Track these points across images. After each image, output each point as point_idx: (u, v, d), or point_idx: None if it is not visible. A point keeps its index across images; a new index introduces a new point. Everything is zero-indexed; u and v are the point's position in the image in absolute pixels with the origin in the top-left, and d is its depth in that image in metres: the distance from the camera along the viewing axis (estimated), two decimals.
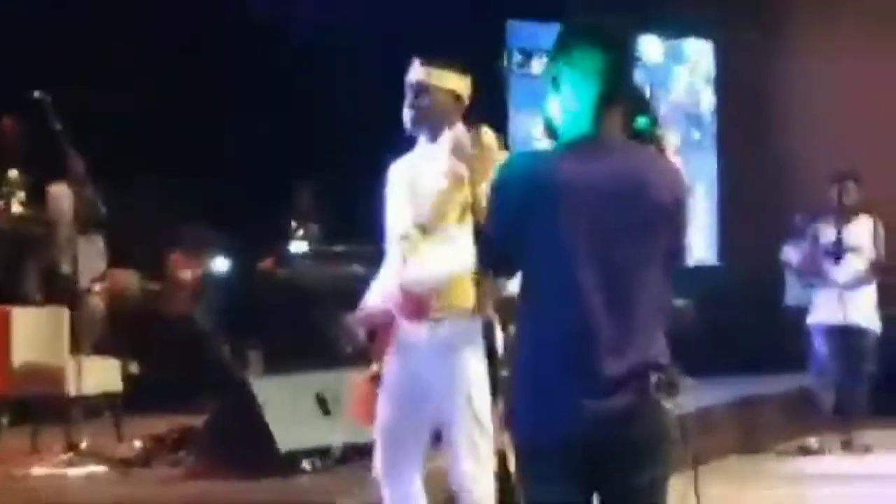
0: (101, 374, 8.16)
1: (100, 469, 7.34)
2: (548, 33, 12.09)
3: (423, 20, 10.60)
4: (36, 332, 8.23)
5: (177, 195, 10.54)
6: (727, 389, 10.29)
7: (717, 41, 13.65)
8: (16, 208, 9.57)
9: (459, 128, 4.86)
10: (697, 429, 3.56)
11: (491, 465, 4.80)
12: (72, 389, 7.75)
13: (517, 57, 12.34)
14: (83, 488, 7.09)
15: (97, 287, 9.64)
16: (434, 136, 4.93)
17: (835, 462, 9.83)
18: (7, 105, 9.30)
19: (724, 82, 13.68)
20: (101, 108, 9.97)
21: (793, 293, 11.79)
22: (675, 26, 13.06)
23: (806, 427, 10.19)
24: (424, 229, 4.83)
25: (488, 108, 5.07)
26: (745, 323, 12.02)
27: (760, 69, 13.42)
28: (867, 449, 10.04)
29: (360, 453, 6.95)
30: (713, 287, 9.78)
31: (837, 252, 10.01)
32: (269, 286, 10.85)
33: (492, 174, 4.58)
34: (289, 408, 7.15)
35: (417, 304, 4.86)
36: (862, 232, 10.08)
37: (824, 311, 10.07)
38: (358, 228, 9.20)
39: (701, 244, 12.98)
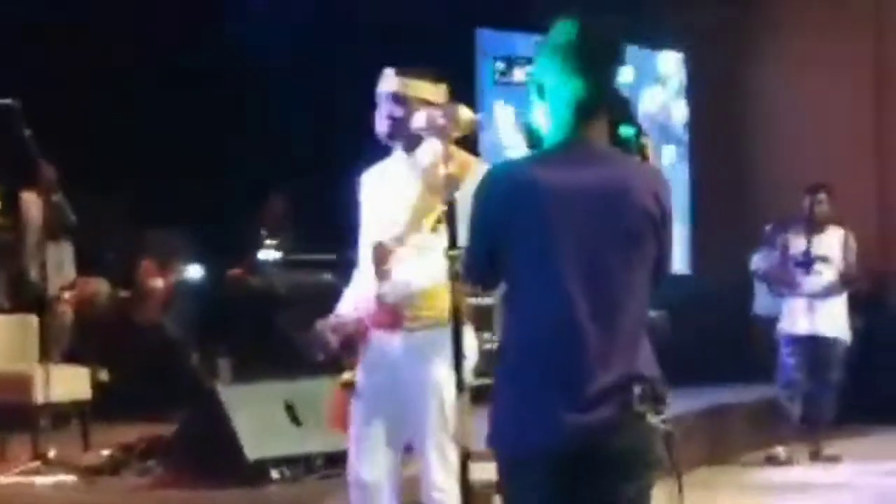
0: (69, 382, 8.12)
1: (67, 478, 7.30)
2: (520, 42, 12.24)
3: (396, 26, 10.64)
4: (4, 340, 8.22)
5: (147, 202, 10.51)
6: (695, 399, 10.30)
7: (687, 53, 13.70)
8: None
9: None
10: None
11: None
12: (40, 397, 7.73)
13: (499, 65, 12.36)
14: (50, 497, 7.07)
15: (66, 294, 9.60)
16: (409, 147, 4.93)
17: (802, 472, 9.86)
18: None
19: (696, 94, 13.73)
20: (72, 115, 9.96)
21: (761, 303, 11.84)
22: (646, 38, 13.10)
23: (773, 437, 10.21)
24: (400, 239, 4.82)
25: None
26: (713, 332, 12.06)
27: (731, 81, 13.49)
28: (835, 459, 10.09)
29: (329, 462, 6.96)
30: (683, 296, 9.80)
31: (807, 262, 10.06)
32: (238, 294, 10.84)
33: (469, 169, 4.62)
34: (258, 416, 7.13)
35: (391, 314, 4.86)
36: (832, 242, 10.13)
37: (793, 320, 10.11)
38: (328, 236, 9.21)
39: (672, 254, 12.99)
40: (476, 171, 4.74)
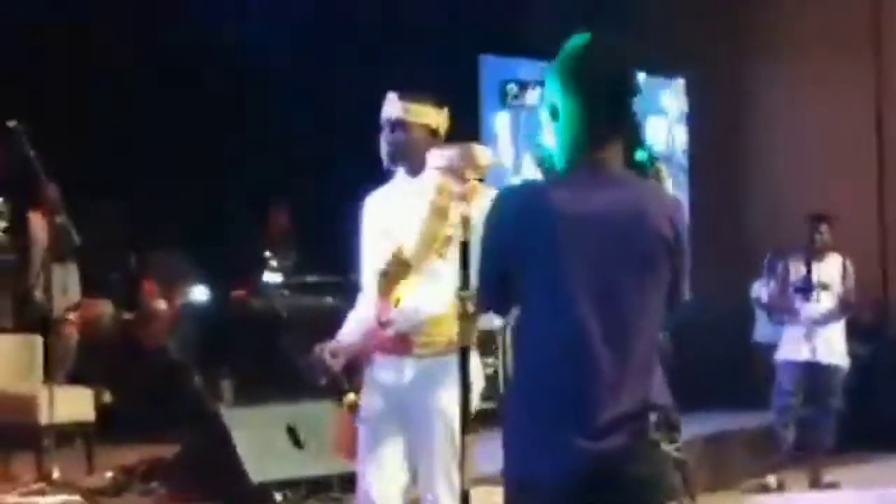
0: (73, 403, 8.15)
1: (71, 498, 7.33)
2: (524, 67, 12.30)
3: (400, 51, 10.70)
4: (9, 360, 8.24)
5: (152, 224, 10.55)
6: (694, 425, 10.31)
7: (688, 78, 13.74)
8: None
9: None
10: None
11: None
12: (44, 418, 7.74)
13: (511, 88, 12.41)
14: None
15: (71, 316, 9.64)
16: (414, 171, 4.95)
17: (802, 499, 9.87)
18: None
19: (696, 120, 13.77)
20: (74, 136, 10.00)
21: (762, 330, 11.86)
22: (646, 63, 13.13)
23: (771, 464, 10.23)
24: (408, 265, 4.84)
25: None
26: (713, 358, 12.08)
27: (732, 107, 13.53)
28: (835, 486, 10.10)
29: (330, 485, 7.00)
30: (683, 322, 9.82)
31: (807, 288, 10.09)
32: (241, 316, 10.86)
33: (481, 195, 4.67)
34: (260, 439, 7.17)
35: (400, 341, 4.89)
36: (832, 270, 10.17)
37: (792, 347, 10.13)
38: (331, 259, 9.25)
39: (687, 279, 13.01)
40: (483, 196, 4.80)
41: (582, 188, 3.33)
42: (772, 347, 10.56)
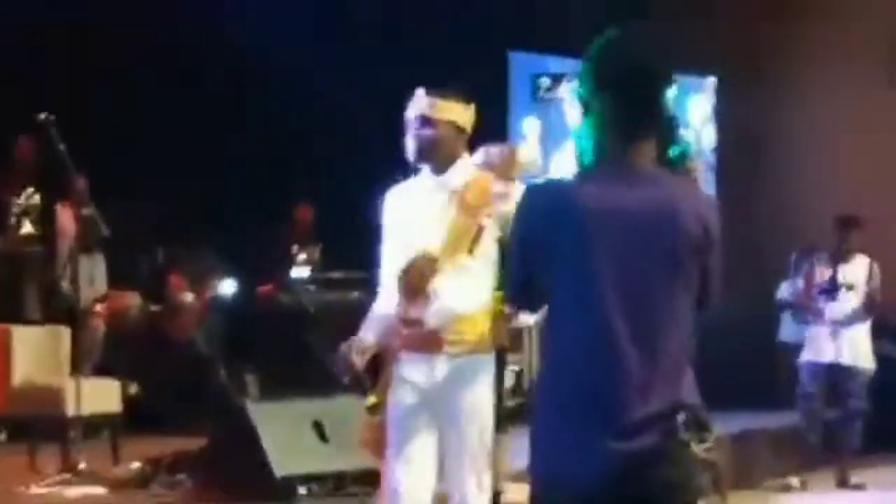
0: (100, 395, 8.16)
1: (97, 490, 7.36)
2: (552, 64, 12.29)
3: (428, 47, 10.71)
4: (36, 351, 8.26)
5: (180, 217, 10.59)
6: (721, 424, 10.26)
7: (718, 77, 13.72)
8: (26, 228, 9.64)
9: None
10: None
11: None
12: (70, 409, 7.76)
13: (544, 81, 12.39)
14: None
15: (98, 307, 9.67)
16: (440, 167, 4.92)
17: (826, 500, 9.84)
18: (12, 127, 9.37)
19: (725, 118, 13.74)
20: (103, 130, 10.04)
21: (787, 330, 11.84)
22: (678, 61, 13.10)
23: (797, 464, 10.20)
24: (435, 261, 4.81)
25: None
26: (739, 358, 12.05)
27: (761, 106, 13.49)
28: (861, 487, 10.07)
29: (356, 480, 7.01)
30: (709, 321, 9.79)
31: (833, 289, 10.07)
32: (268, 311, 10.89)
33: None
34: (286, 433, 7.18)
35: (431, 339, 4.84)
36: (858, 271, 10.14)
37: (816, 349, 10.12)
38: (357, 254, 9.26)
39: (719, 279, 12.99)
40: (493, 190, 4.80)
41: (611, 185, 3.25)
42: (797, 347, 10.55)
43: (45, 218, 9.62)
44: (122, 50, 10.66)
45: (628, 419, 3.17)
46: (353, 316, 5.30)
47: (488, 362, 4.89)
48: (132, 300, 10.34)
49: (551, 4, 12.33)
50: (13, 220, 9.62)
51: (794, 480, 10.08)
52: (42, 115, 7.72)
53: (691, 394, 3.28)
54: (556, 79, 12.29)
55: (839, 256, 10.13)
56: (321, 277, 10.98)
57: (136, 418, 8.74)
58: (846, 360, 10.01)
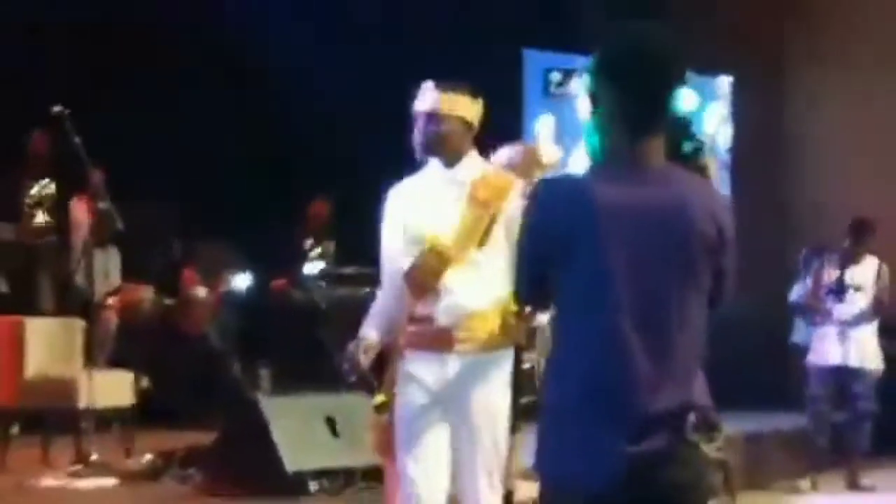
0: (112, 388, 8.18)
1: (109, 482, 7.39)
2: (567, 62, 12.28)
3: (441, 47, 10.70)
4: (49, 344, 8.28)
5: (194, 212, 10.60)
6: (732, 425, 10.26)
7: (735, 77, 13.71)
8: (39, 219, 9.66)
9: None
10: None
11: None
12: (83, 402, 7.79)
13: (555, 76, 12.38)
14: (91, 500, 7.15)
15: (111, 300, 9.69)
16: (448, 162, 4.89)
17: (836, 502, 9.83)
18: (27, 120, 9.40)
19: (741, 118, 13.73)
20: (120, 124, 10.06)
21: (800, 331, 11.82)
22: (692, 59, 13.10)
23: (807, 466, 10.19)
24: (445, 256, 4.77)
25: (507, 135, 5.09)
26: (752, 358, 12.04)
27: (777, 106, 13.48)
28: (872, 489, 10.06)
29: (366, 476, 7.02)
30: (722, 321, 9.78)
31: (840, 290, 10.06)
32: (281, 306, 10.90)
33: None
34: (298, 428, 7.19)
35: (442, 337, 4.78)
36: (867, 272, 10.14)
37: (823, 351, 10.11)
38: (369, 250, 9.25)
39: (732, 278, 12.99)
40: (517, 189, 4.77)
41: (622, 182, 3.21)
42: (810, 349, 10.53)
43: (59, 209, 9.64)
44: (121, 50, 10.68)
45: (638, 419, 3.14)
46: (365, 312, 5.29)
47: (502, 360, 4.83)
48: (145, 294, 10.36)
49: (567, 2, 12.34)
50: (27, 209, 9.64)
51: (805, 482, 10.07)
52: (56, 108, 7.74)
53: (702, 394, 3.25)
54: (568, 74, 12.27)
55: (849, 258, 10.12)
56: (334, 273, 10.98)
57: (149, 411, 8.75)
58: (854, 361, 10.01)
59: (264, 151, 11.40)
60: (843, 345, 10.00)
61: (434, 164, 4.93)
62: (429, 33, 11.35)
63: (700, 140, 3.41)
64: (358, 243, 10.42)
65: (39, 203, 9.70)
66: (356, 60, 11.14)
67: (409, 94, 5.04)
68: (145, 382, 9.27)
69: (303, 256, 11.21)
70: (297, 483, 6.96)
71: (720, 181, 3.71)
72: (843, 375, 10.02)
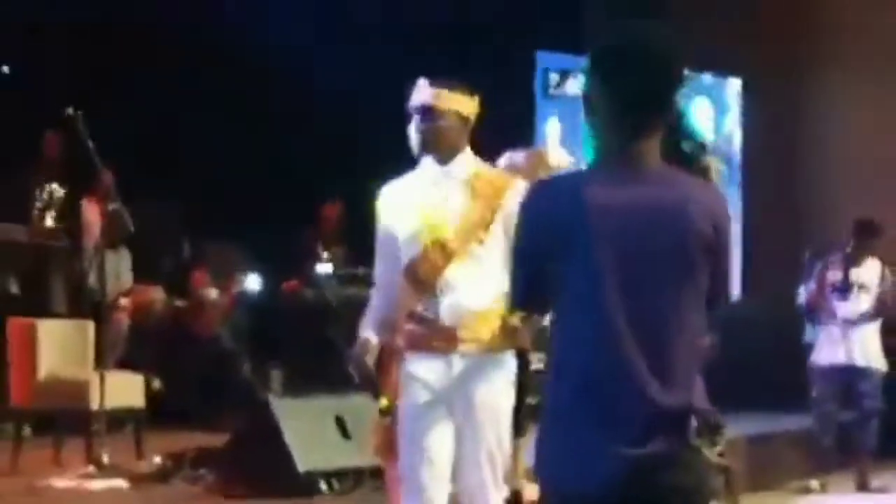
0: (124, 389, 8.18)
1: (120, 483, 7.40)
2: (563, 59, 12.28)
3: (454, 48, 10.71)
4: (61, 345, 8.29)
5: (205, 213, 10.63)
6: (741, 425, 10.25)
7: (745, 79, 13.72)
8: (49, 222, 9.69)
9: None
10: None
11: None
12: (95, 403, 7.79)
13: (553, 77, 12.39)
14: (102, 502, 7.16)
15: (123, 301, 9.71)
16: (444, 158, 4.86)
17: (844, 502, 9.82)
18: (27, 120, 9.44)
19: (752, 120, 13.73)
20: (120, 124, 10.09)
21: (812, 332, 11.81)
22: (705, 61, 13.13)
23: (816, 467, 10.18)
24: (447, 252, 4.74)
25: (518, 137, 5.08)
26: (762, 358, 12.03)
27: (788, 108, 13.47)
28: (883, 490, 10.05)
29: (378, 476, 7.02)
30: (735, 321, 9.78)
31: (845, 288, 10.08)
32: (293, 306, 10.91)
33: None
34: (309, 429, 7.20)
35: (444, 337, 4.75)
36: (870, 272, 10.16)
37: (828, 351, 10.14)
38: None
39: (730, 281, 13.01)
40: (516, 189, 4.73)
41: (617, 182, 3.16)
42: None
43: (70, 212, 9.67)
44: (121, 50, 10.71)
45: (637, 425, 3.09)
46: None
47: (505, 361, 4.83)
48: (157, 295, 10.39)
49: (567, 2, 12.35)
50: (36, 213, 9.67)
51: (814, 483, 10.07)
52: (69, 110, 7.76)
53: (701, 398, 3.19)
54: (564, 74, 12.26)
55: (852, 259, 10.14)
56: (345, 274, 10.99)
57: (160, 413, 8.77)
58: (859, 360, 10.05)
59: (264, 151, 11.41)
60: (847, 344, 10.02)
61: (427, 162, 4.90)
62: (429, 33, 11.37)
63: (700, 141, 3.37)
64: (361, 243, 10.46)
65: (48, 206, 9.73)
66: (356, 60, 11.15)
67: (410, 95, 5.05)
68: (157, 384, 9.30)
69: (314, 258, 11.22)
70: (307, 483, 6.97)
71: (725, 182, 3.66)
72: (848, 375, 10.05)
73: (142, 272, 10.11)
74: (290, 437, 7.04)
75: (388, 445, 4.87)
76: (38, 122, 9.51)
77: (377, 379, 4.93)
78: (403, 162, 5.24)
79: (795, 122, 13.54)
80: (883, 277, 10.15)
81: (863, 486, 10.11)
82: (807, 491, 10.00)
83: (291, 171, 11.26)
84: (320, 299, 10.80)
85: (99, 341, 8.20)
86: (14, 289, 9.56)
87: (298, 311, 10.83)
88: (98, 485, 7.37)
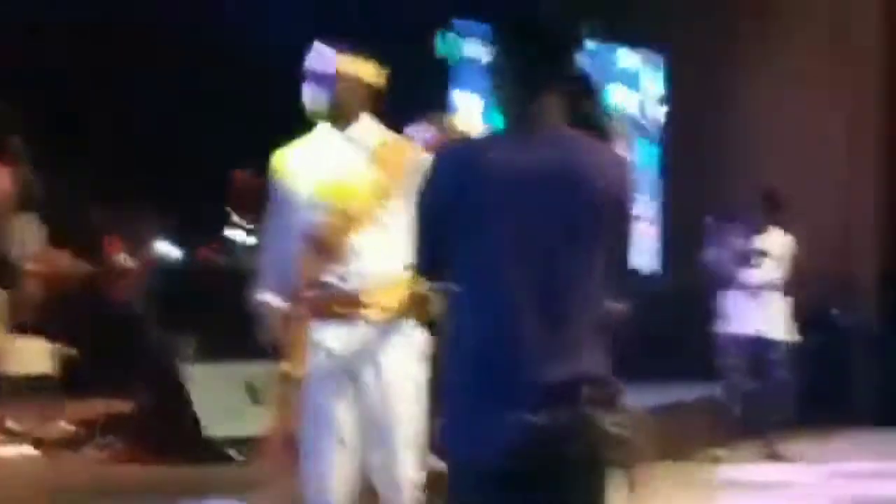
0: (32, 356, 8.14)
1: (28, 450, 7.35)
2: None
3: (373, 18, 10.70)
4: None
5: (118, 178, 10.54)
6: (649, 395, 10.30)
7: (667, 55, 13.81)
8: None
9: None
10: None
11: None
12: (3, 369, 7.73)
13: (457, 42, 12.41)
14: (9, 468, 7.10)
15: (31, 267, 9.59)
16: (342, 124, 4.79)
17: (756, 471, 9.90)
18: (27, 120, 9.31)
19: (673, 94, 13.83)
20: (43, 90, 10.00)
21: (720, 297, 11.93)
22: (627, 37, 13.22)
23: (726, 436, 10.27)
24: (350, 217, 4.68)
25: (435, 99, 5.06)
26: (679, 330, 12.13)
27: (710, 83, 13.56)
28: (791, 459, 10.14)
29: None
30: (651, 294, 9.85)
31: (748, 255, 10.13)
32: (206, 273, 10.85)
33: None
34: (218, 396, 7.19)
35: (349, 304, 4.66)
36: (774, 240, 10.22)
37: (734, 321, 10.19)
38: None
39: (643, 251, 13.11)
40: (418, 156, 4.71)
41: (515, 146, 3.16)
42: None
43: None
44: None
45: (530, 391, 3.07)
46: None
47: (414, 331, 4.74)
48: (65, 261, 10.27)
49: None
50: None
51: (722, 452, 10.14)
52: None
53: (599, 366, 3.16)
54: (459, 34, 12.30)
55: (756, 227, 10.20)
56: (257, 240, 10.93)
57: (71, 380, 8.69)
58: (767, 332, 10.10)
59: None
60: (755, 314, 10.08)
61: (324, 127, 4.83)
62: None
63: (601, 101, 3.38)
64: None
65: None
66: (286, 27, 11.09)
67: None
68: (67, 351, 9.21)
69: (226, 223, 11.16)
70: (216, 450, 6.95)
71: (631, 146, 3.66)
72: (757, 345, 10.11)
73: (52, 238, 9.99)
74: (200, 403, 7.01)
75: (283, 453, 4.76)
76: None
77: (281, 344, 4.83)
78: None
79: (717, 98, 13.63)
80: (789, 246, 10.22)
81: (771, 456, 10.21)
82: (715, 460, 10.07)
83: (206, 137, 11.19)
84: (233, 266, 10.74)
85: (6, 307, 8.10)
86: None
87: (212, 278, 10.76)
88: (7, 451, 7.31)
